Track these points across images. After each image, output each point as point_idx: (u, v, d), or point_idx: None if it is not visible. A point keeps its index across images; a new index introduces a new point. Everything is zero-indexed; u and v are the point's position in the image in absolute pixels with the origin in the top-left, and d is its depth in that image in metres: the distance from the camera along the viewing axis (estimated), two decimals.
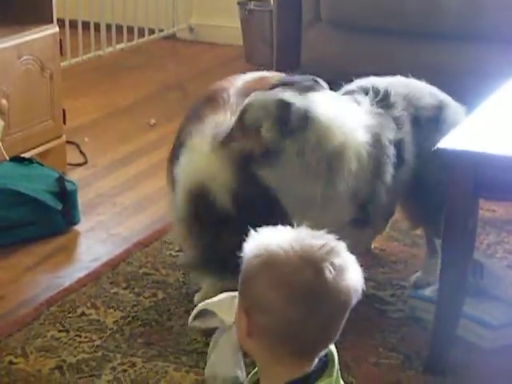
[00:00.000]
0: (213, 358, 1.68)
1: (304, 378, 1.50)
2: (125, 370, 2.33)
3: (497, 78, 2.63)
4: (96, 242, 3.09)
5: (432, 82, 3.97)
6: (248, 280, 1.48)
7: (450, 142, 2.21)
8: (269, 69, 4.43)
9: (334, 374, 1.55)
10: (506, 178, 2.15)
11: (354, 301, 1.52)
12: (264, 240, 1.49)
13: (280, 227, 1.52)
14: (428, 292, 2.54)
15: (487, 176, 2.16)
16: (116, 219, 3.25)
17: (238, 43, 5.16)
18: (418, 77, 3.97)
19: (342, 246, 1.51)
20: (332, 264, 1.47)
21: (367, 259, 2.91)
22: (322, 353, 1.53)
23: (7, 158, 3.24)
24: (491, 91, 2.52)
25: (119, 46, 5.08)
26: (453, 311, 2.28)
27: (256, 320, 1.48)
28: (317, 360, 1.52)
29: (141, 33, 5.23)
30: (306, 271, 1.45)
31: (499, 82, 2.60)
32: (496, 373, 2.32)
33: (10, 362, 2.37)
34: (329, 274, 1.46)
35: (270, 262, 1.46)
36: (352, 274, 1.50)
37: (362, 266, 1.56)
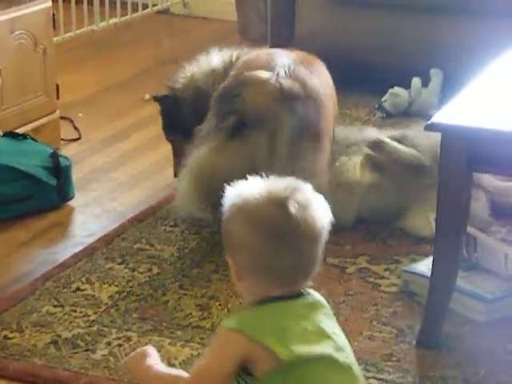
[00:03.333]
0: None
1: (281, 296, 1.68)
2: (120, 345, 2.34)
3: (491, 52, 2.63)
4: (90, 218, 3.09)
5: (427, 57, 3.98)
6: (227, 225, 1.69)
7: (443, 116, 2.21)
8: (263, 43, 4.43)
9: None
10: (499, 152, 2.15)
11: (322, 234, 1.68)
12: (238, 190, 1.69)
13: (252, 179, 1.72)
14: (421, 266, 2.55)
15: (480, 150, 2.16)
16: (110, 194, 3.25)
17: (232, 18, 5.13)
18: (413, 51, 3.97)
19: (306, 186, 1.70)
20: (296, 201, 1.65)
21: (361, 234, 2.92)
22: (303, 284, 1.70)
23: (1, 134, 3.24)
24: (485, 65, 2.52)
25: (113, 21, 5.05)
26: (446, 285, 2.29)
27: (239, 262, 1.68)
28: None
29: (134, 7, 5.20)
30: (273, 209, 1.65)
31: (493, 55, 2.59)
32: (489, 346, 2.33)
33: (6, 337, 2.37)
34: (293, 209, 1.64)
35: (243, 207, 1.67)
36: (317, 209, 1.67)
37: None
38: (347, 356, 1.68)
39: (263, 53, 2.93)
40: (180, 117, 2.99)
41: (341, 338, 1.70)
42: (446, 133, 2.19)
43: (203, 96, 2.90)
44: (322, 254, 1.70)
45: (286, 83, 2.69)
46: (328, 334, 1.67)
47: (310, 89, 2.72)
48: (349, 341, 2.35)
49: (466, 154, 2.17)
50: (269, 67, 2.74)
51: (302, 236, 1.65)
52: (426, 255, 2.62)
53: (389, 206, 2.94)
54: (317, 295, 1.73)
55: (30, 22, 3.42)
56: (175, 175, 3.04)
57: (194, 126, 2.85)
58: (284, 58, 2.79)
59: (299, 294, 1.70)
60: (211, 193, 2.50)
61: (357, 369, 1.70)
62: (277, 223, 1.65)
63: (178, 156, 2.99)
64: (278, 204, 1.65)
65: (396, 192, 2.92)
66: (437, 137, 2.64)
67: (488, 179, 2.93)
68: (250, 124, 2.64)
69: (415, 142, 3.00)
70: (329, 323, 1.69)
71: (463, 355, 2.29)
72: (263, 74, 2.71)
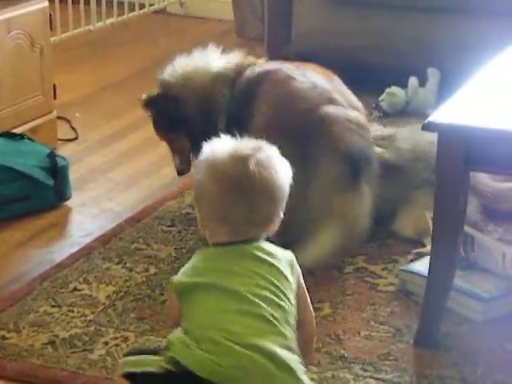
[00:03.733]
0: None
1: (227, 242, 1.87)
2: (117, 345, 2.34)
3: (488, 51, 2.63)
4: (88, 218, 3.09)
5: (424, 56, 3.98)
6: (196, 177, 1.88)
7: (441, 115, 2.21)
8: (260, 43, 4.43)
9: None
10: (496, 151, 2.15)
11: (280, 192, 1.86)
12: (210, 148, 1.89)
13: (225, 138, 1.91)
14: (419, 265, 2.55)
15: (477, 149, 2.16)
16: (107, 194, 3.25)
17: (229, 17, 5.13)
18: (410, 50, 3.97)
19: (271, 148, 1.88)
20: (256, 159, 1.84)
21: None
22: (256, 234, 1.87)
23: None
24: (482, 64, 2.52)
25: (109, 21, 5.05)
26: (443, 284, 2.29)
27: (202, 211, 1.88)
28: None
29: (131, 7, 5.20)
30: (235, 165, 1.84)
31: (490, 55, 2.59)
32: (487, 345, 2.33)
33: (3, 337, 2.37)
34: (252, 166, 1.82)
35: (210, 162, 1.86)
36: (276, 169, 1.85)
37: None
38: (260, 293, 1.81)
39: (289, 71, 2.81)
40: (180, 115, 2.93)
41: (270, 284, 1.83)
42: (443, 132, 2.19)
43: (210, 99, 2.86)
44: (282, 212, 1.88)
45: (356, 116, 2.72)
46: (242, 273, 1.83)
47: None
48: (346, 340, 2.36)
49: (463, 153, 2.17)
50: (314, 93, 2.71)
51: (258, 191, 1.83)
52: (424, 254, 2.62)
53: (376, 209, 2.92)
54: (267, 246, 1.87)
55: (26, 22, 3.42)
56: (179, 173, 3.01)
57: (200, 126, 2.83)
58: (319, 80, 2.78)
59: (246, 241, 1.86)
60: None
61: (270, 310, 1.81)
62: (236, 178, 1.83)
63: (181, 153, 2.98)
64: (239, 160, 1.84)
65: (381, 196, 2.87)
66: (424, 138, 2.67)
67: (484, 181, 2.92)
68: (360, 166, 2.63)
69: (399, 143, 2.97)
70: (260, 268, 1.84)
71: (461, 354, 2.29)
72: (338, 110, 2.70)
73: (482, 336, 2.37)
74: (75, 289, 2.60)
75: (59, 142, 3.65)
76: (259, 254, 1.86)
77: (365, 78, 3.98)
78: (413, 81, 3.95)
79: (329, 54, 3.49)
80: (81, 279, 2.65)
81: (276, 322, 1.82)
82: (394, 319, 2.45)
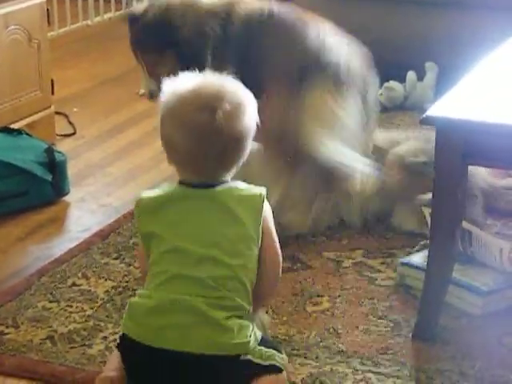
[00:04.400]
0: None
1: (206, 183, 1.97)
2: (116, 340, 2.33)
3: (486, 45, 2.63)
4: (86, 213, 3.09)
5: (421, 50, 3.98)
6: (160, 126, 1.95)
7: (439, 109, 2.21)
8: None
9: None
10: (494, 145, 2.15)
11: (244, 137, 1.94)
12: (174, 91, 1.93)
13: (194, 73, 1.97)
14: (417, 259, 2.55)
15: (475, 143, 2.16)
16: (106, 190, 3.25)
17: None
18: (408, 44, 3.98)
19: (235, 87, 1.95)
20: (222, 109, 1.89)
21: (357, 227, 2.92)
22: (223, 175, 1.97)
23: None
24: (480, 58, 2.52)
25: (107, 16, 5.05)
26: (442, 278, 2.30)
27: (172, 158, 1.98)
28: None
29: (129, 2, 5.19)
30: (201, 115, 1.90)
31: (488, 48, 2.59)
32: (485, 339, 2.33)
33: (1, 333, 2.37)
34: (220, 119, 1.89)
35: (177, 113, 1.92)
36: (242, 115, 1.92)
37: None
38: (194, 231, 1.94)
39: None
40: (173, 39, 2.84)
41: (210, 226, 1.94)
42: (441, 126, 2.19)
43: (204, 30, 2.87)
44: (246, 151, 1.97)
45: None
46: (199, 227, 1.93)
47: None
48: (345, 334, 2.36)
49: (462, 148, 2.17)
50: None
51: (225, 141, 1.92)
52: (422, 249, 2.62)
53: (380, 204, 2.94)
54: (236, 191, 1.96)
55: (24, 17, 3.41)
56: (152, 96, 2.89)
57: (192, 54, 2.80)
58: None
59: (214, 184, 1.96)
60: None
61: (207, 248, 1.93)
62: (204, 128, 1.90)
63: (158, 77, 2.73)
64: (206, 110, 1.89)
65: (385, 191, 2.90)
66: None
67: (483, 177, 2.92)
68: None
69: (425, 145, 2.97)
70: (220, 222, 1.94)
71: (459, 348, 2.29)
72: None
73: (480, 330, 2.37)
74: (74, 284, 2.60)
75: (57, 137, 3.65)
76: (226, 202, 1.95)
77: None
78: (411, 75, 3.95)
79: None
80: (79, 274, 2.65)
81: (213, 284, 1.90)
82: (393, 313, 2.45)
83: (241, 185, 2.00)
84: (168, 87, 1.96)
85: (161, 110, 1.96)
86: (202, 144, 1.92)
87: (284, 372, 1.98)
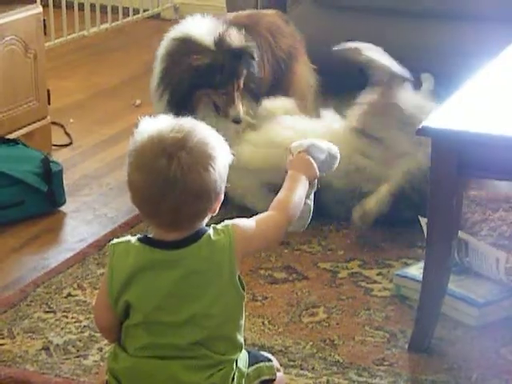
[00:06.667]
0: None
1: (173, 242, 1.82)
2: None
3: (482, 57, 2.63)
4: (82, 223, 3.09)
5: (417, 61, 3.98)
6: (128, 168, 1.84)
7: (434, 120, 2.22)
8: None
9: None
10: (490, 157, 2.16)
11: (211, 188, 1.77)
12: (145, 128, 1.85)
13: (164, 117, 1.87)
14: (413, 270, 2.55)
15: (471, 154, 2.17)
16: (102, 200, 3.25)
17: None
18: (404, 55, 3.98)
19: (203, 134, 1.79)
20: (179, 159, 1.74)
21: (353, 238, 2.92)
22: (190, 228, 1.82)
23: None
24: (476, 70, 2.53)
25: (103, 26, 5.05)
26: (438, 289, 2.30)
27: (132, 200, 1.85)
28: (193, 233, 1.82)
29: (125, 13, 5.20)
30: (160, 161, 1.76)
31: (484, 60, 2.60)
32: (481, 350, 2.33)
33: None
34: (175, 168, 1.74)
35: (139, 149, 1.81)
36: (205, 165, 1.76)
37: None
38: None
39: None
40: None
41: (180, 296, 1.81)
42: (437, 137, 2.19)
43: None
44: (214, 203, 1.81)
45: None
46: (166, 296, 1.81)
47: None
48: (341, 345, 2.35)
49: (457, 159, 2.17)
50: None
51: (182, 192, 1.75)
52: (418, 259, 2.62)
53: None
54: (202, 251, 1.81)
55: (20, 28, 3.42)
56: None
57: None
58: None
59: (177, 244, 1.81)
60: None
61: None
62: (160, 176, 1.76)
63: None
64: (163, 157, 1.76)
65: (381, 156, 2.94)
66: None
67: None
68: None
69: None
70: (170, 280, 1.81)
71: (455, 359, 2.29)
72: None
73: (477, 341, 2.37)
74: (69, 294, 2.60)
75: (53, 147, 3.65)
76: (195, 268, 1.81)
77: (358, 84, 3.99)
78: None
79: (319, 60, 3.49)
80: (75, 285, 2.65)
81: (193, 347, 1.83)
82: (389, 324, 2.45)
83: (210, 231, 1.84)
84: (142, 126, 1.87)
85: (128, 157, 1.86)
86: (158, 191, 1.77)
87: (278, 373, 1.96)
